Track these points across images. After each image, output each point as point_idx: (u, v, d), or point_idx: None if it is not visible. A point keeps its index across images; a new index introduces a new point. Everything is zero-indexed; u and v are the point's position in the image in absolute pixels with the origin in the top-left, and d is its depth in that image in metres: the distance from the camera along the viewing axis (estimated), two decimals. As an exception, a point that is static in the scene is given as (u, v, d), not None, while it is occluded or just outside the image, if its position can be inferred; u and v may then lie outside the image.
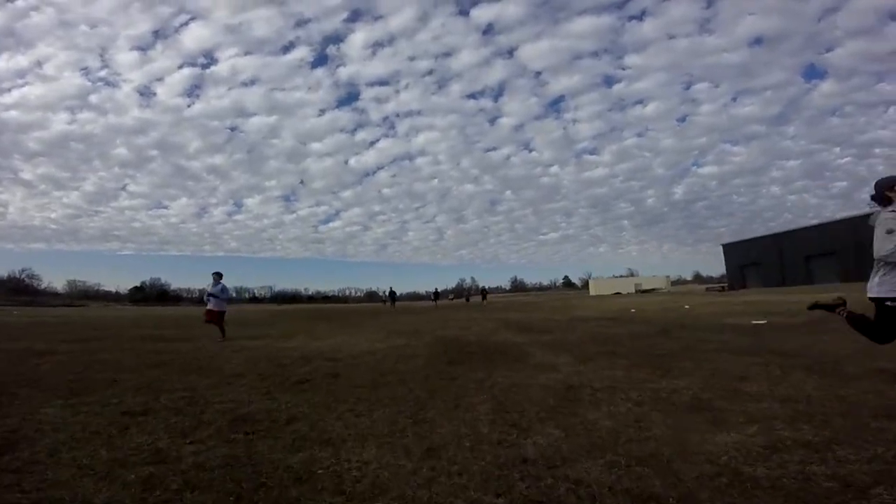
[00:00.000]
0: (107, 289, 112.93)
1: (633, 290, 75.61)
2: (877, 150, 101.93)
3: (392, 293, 36.78)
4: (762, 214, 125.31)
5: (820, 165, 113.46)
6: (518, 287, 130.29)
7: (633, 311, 19.07)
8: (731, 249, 50.60)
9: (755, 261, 45.71)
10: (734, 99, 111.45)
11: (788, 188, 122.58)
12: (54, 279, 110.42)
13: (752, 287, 44.09)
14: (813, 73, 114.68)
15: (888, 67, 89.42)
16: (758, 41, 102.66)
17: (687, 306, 19.88)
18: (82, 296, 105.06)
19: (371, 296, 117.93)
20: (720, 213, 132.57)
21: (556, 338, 9.63)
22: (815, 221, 43.20)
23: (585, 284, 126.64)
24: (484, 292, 40.66)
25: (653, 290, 72.70)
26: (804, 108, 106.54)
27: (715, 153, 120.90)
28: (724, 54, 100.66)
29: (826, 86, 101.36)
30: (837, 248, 37.46)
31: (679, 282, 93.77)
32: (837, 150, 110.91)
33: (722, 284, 52.53)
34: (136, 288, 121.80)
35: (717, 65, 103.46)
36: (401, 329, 13.19)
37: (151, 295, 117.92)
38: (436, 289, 36.81)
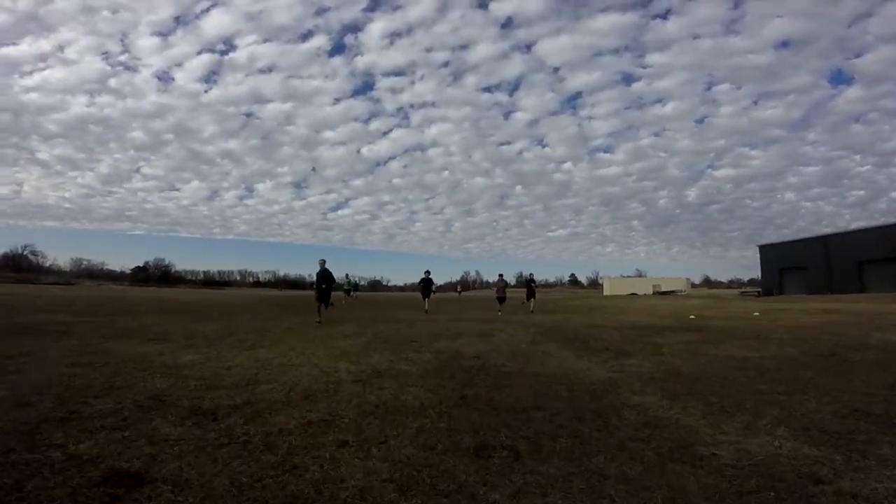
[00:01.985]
0: (111, 268, 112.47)
1: (651, 292, 71.34)
2: None
3: (352, 285, 27.60)
4: (775, 220, 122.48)
5: (839, 173, 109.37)
6: (508, 284, 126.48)
7: (692, 317, 15.22)
8: (769, 251, 46.16)
9: (798, 264, 41.31)
10: (755, 102, 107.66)
11: (804, 195, 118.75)
12: (62, 257, 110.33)
13: (791, 293, 39.83)
14: (839, 78, 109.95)
15: None
16: (784, 44, 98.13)
17: (757, 313, 15.99)
18: (85, 274, 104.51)
19: (374, 285, 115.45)
20: (733, 217, 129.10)
21: (654, 367, 5.84)
22: (866, 224, 38.73)
23: (593, 283, 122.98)
24: (531, 286, 19.63)
25: (672, 292, 68.38)
26: (827, 114, 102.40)
27: (732, 156, 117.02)
28: (748, 56, 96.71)
29: (852, 91, 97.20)
30: (899, 253, 33.14)
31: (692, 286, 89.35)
32: (858, 157, 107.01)
33: (757, 289, 48.19)
34: (138, 268, 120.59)
35: (741, 66, 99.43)
36: (388, 335, 9.47)
37: (154, 275, 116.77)
38: (425, 275, 16.73)
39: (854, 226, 41.62)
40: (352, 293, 27.87)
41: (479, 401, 4.03)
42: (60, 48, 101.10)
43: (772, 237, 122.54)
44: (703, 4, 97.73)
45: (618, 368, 5.65)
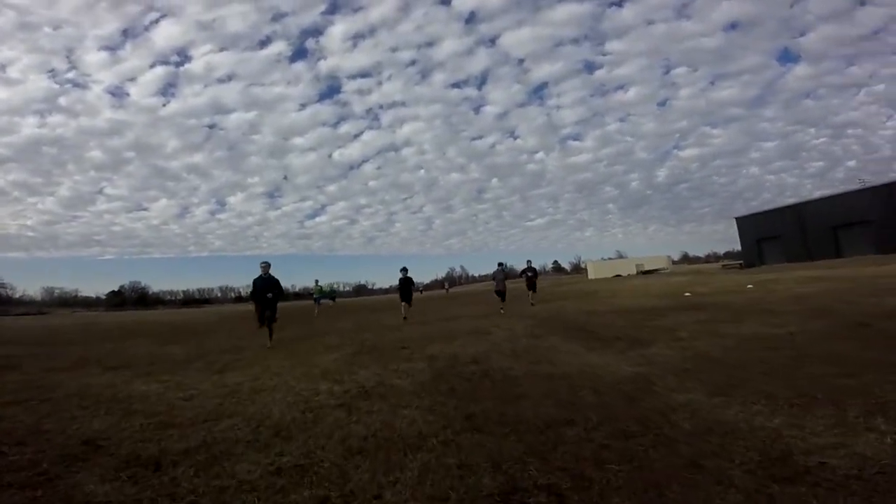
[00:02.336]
0: (86, 294, 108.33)
1: (635, 272, 71.96)
2: (850, 131, 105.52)
3: (329, 293, 25.25)
4: (743, 195, 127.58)
5: (796, 146, 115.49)
6: (509, 275, 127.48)
7: (687, 294, 14.82)
8: (746, 223, 46.67)
9: (774, 234, 41.85)
10: (712, 83, 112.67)
11: (767, 168, 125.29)
12: (32, 287, 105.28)
13: (772, 263, 40.37)
14: (787, 56, 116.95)
15: (858, 51, 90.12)
16: (733, 26, 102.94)
17: (750, 286, 15.70)
18: (58, 303, 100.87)
19: (359, 290, 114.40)
20: (702, 194, 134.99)
21: (679, 354, 5.18)
22: (840, 190, 39.45)
23: (576, 268, 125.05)
24: (529, 275, 16.00)
25: (656, 270, 69.05)
26: (780, 91, 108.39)
27: (695, 136, 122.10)
28: (701, 39, 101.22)
29: (800, 69, 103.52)
30: (873, 216, 33.69)
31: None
32: (813, 130, 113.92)
33: (738, 262, 48.76)
34: (113, 292, 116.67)
35: (695, 49, 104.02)
36: (375, 344, 8.68)
37: (131, 299, 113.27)
38: (402, 273, 13.09)
39: (817, 194, 42.57)
40: (320, 301, 23.72)
41: (490, 420, 3.29)
42: (2, 67, 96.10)
43: (741, 210, 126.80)
44: None
45: (640, 360, 4.99)
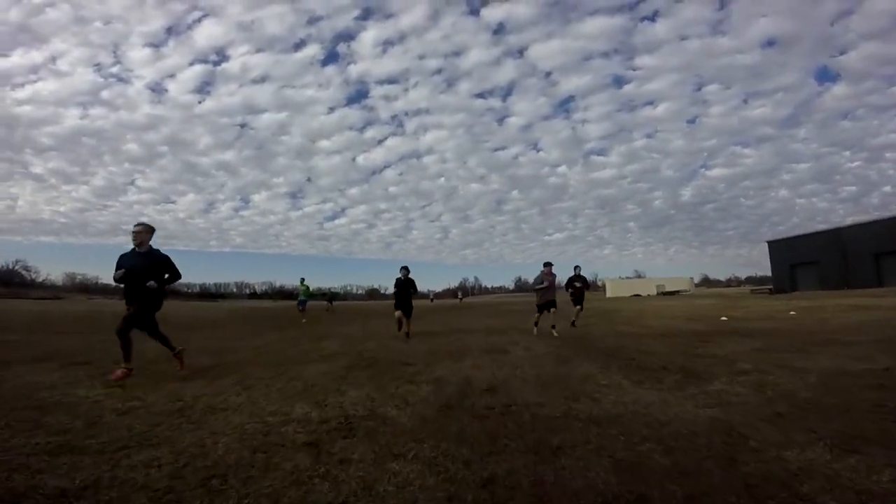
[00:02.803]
0: (107, 282, 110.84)
1: (655, 293, 69.72)
2: (888, 154, 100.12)
3: (324, 295, 23.30)
4: (770, 218, 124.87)
5: (830, 169, 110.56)
6: (522, 287, 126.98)
7: (724, 319, 13.42)
8: (778, 247, 44.42)
9: (810, 259, 39.63)
10: (745, 101, 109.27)
11: (797, 191, 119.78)
12: (57, 272, 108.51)
13: (805, 289, 38.13)
14: (825, 75, 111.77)
15: None
16: (770, 43, 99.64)
17: (793, 312, 14.20)
18: (80, 289, 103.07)
19: (372, 293, 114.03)
20: (728, 216, 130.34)
21: (758, 393, 3.97)
22: (884, 215, 37.12)
23: (592, 286, 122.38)
24: (578, 286, 12.10)
25: (677, 292, 66.79)
26: (816, 111, 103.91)
27: (725, 155, 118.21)
28: (736, 56, 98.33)
29: (838, 88, 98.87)
30: (920, 244, 31.52)
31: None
32: (848, 153, 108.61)
33: (768, 287, 46.46)
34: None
35: (729, 66, 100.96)
36: (376, 356, 7.64)
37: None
38: (402, 273, 9.87)
39: (849, 221, 40.21)
40: (305, 306, 19.29)
41: (519, 490, 2.18)
42: (52, 59, 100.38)
43: (767, 234, 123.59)
44: (689, 5, 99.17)
45: (708, 400, 3.80)
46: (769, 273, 44.51)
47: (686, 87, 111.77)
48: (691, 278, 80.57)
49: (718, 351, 6.68)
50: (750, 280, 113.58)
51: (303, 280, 20.53)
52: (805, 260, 40.23)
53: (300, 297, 19.60)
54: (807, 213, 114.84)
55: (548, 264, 10.19)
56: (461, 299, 40.19)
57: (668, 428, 3.13)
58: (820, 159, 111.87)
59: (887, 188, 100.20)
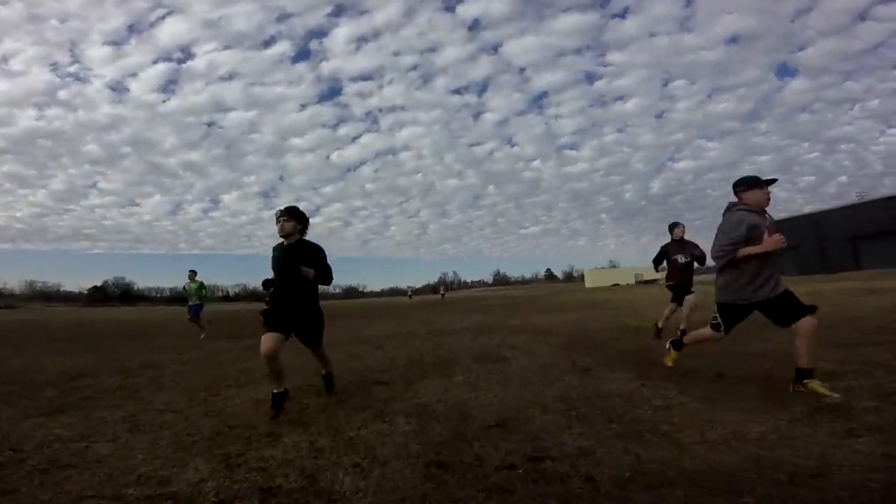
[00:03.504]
0: (70, 289, 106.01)
1: (633, 282, 69.88)
2: (842, 146, 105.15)
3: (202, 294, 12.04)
4: None
5: (789, 160, 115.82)
6: (501, 280, 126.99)
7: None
8: (756, 233, 44.62)
9: (788, 245, 39.61)
10: (709, 96, 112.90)
11: None
12: (15, 280, 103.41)
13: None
14: (785, 71, 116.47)
15: (856, 66, 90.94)
16: (734, 39, 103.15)
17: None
18: (40, 297, 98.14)
19: (349, 292, 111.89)
20: (695, 207, 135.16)
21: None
22: (858, 200, 37.43)
23: (568, 277, 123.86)
24: (687, 261, 6.55)
25: (655, 281, 66.99)
26: (776, 105, 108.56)
27: (691, 148, 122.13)
28: (701, 52, 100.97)
29: (797, 83, 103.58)
30: (897, 227, 31.64)
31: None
32: (806, 145, 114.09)
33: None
34: (95, 288, 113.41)
35: (695, 62, 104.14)
36: (338, 372, 6.09)
37: (114, 294, 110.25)
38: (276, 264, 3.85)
39: (808, 209, 40.74)
40: (199, 313, 11.71)
41: None
42: (4, 59, 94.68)
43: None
44: (658, 2, 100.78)
45: (840, 430, 2.42)
46: None
47: (654, 83, 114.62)
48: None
49: (769, 347, 5.38)
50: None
51: (193, 274, 12.02)
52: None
53: (191, 302, 11.69)
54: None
55: (677, 225, 6.75)
56: (443, 295, 38.31)
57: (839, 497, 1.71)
58: (780, 151, 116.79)
59: (843, 178, 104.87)
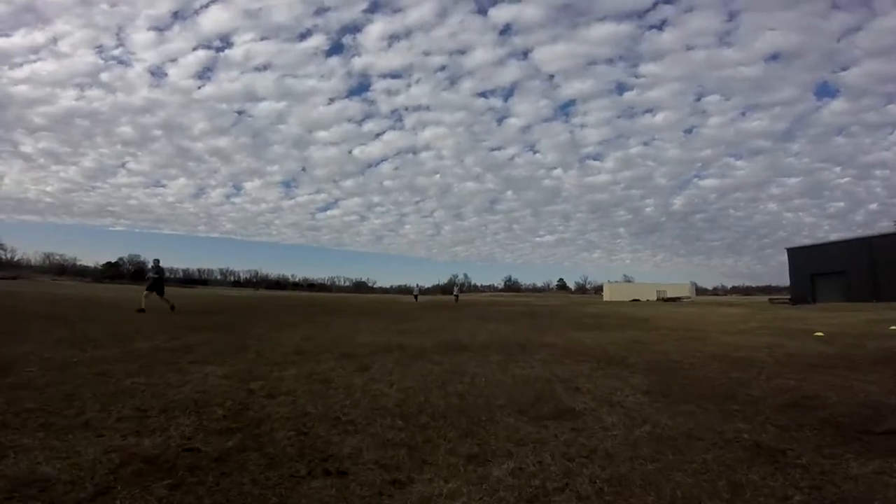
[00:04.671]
0: (86, 263, 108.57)
1: (655, 298, 66.60)
2: (877, 172, 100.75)
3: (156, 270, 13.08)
4: (756, 230, 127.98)
5: (819, 184, 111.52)
6: (512, 287, 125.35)
7: (819, 334, 9.70)
8: (799, 255, 41.14)
9: (835, 269, 36.40)
10: (743, 113, 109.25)
11: (786, 205, 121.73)
12: (37, 252, 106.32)
13: (827, 300, 34.86)
14: (825, 91, 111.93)
15: None
16: (774, 57, 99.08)
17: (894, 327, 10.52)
18: (56, 270, 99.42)
19: (359, 286, 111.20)
20: (716, 227, 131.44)
21: None
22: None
23: (581, 288, 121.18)
24: None
25: (678, 298, 63.77)
26: (811, 126, 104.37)
27: (718, 166, 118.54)
28: (739, 68, 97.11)
29: (836, 104, 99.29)
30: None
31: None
32: (838, 169, 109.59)
33: (787, 297, 43.27)
34: (109, 263, 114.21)
35: (732, 78, 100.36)
36: (299, 404, 3.57)
37: (128, 272, 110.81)
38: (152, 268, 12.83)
39: (834, 237, 37.40)
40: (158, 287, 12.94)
41: None
42: (54, 40, 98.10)
43: (752, 247, 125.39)
44: (698, 16, 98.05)
45: None
46: (756, 282, 41.31)
47: (687, 97, 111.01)
48: (692, 284, 77.50)
49: None
50: (735, 290, 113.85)
51: (156, 263, 13.47)
52: (828, 270, 36.99)
53: (150, 274, 13.30)
54: (794, 227, 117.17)
55: None
56: (457, 297, 34.31)
57: None
58: (811, 174, 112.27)
59: (873, 206, 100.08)
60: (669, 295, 67.78)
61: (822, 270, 37.79)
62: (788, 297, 41.40)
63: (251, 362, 5.23)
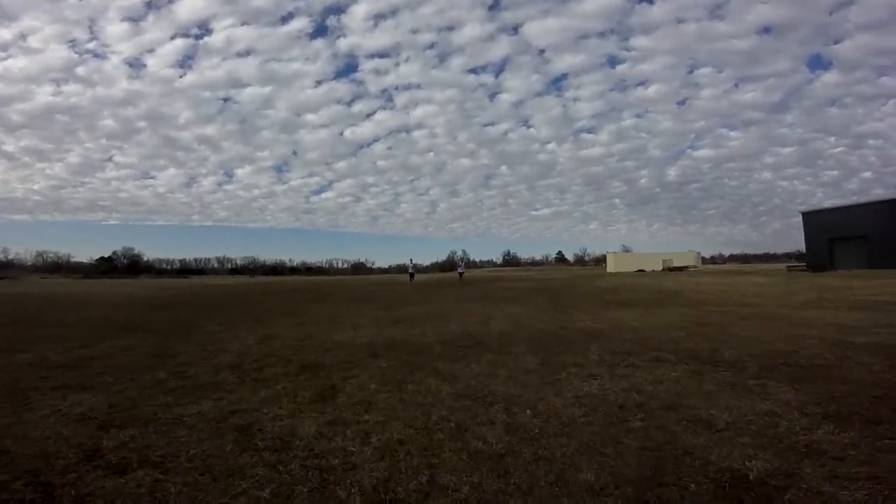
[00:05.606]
0: (79, 259, 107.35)
1: (661, 268, 65.03)
2: (870, 142, 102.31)
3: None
4: (751, 199, 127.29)
5: (813, 154, 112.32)
6: (511, 261, 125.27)
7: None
8: (815, 219, 39.03)
9: (855, 233, 34.46)
10: (736, 85, 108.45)
11: (780, 174, 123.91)
12: (29, 250, 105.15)
13: (847, 268, 33.09)
14: (818, 63, 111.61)
15: (893, 61, 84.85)
16: (766, 30, 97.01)
17: None
18: (51, 268, 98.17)
19: (357, 267, 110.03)
20: (711, 196, 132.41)
21: None
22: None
23: (580, 260, 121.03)
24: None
25: (684, 268, 62.23)
26: (805, 98, 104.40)
27: (712, 137, 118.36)
28: (731, 41, 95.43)
29: (829, 76, 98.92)
30: None
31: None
32: (832, 139, 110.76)
33: (802, 264, 41.50)
34: (102, 258, 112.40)
35: (724, 51, 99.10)
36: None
37: (122, 265, 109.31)
38: None
39: (827, 203, 35.47)
40: None
41: None
42: (23, 37, 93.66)
43: (748, 214, 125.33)
44: None
45: None
46: (753, 250, 39.50)
47: (679, 70, 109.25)
48: (698, 253, 75.88)
49: None
50: (734, 258, 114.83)
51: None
52: (848, 234, 35.04)
53: None
54: (788, 195, 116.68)
55: None
56: (461, 274, 29.92)
57: None
58: (804, 144, 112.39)
59: (867, 174, 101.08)
60: (676, 264, 66.21)
61: (840, 235, 35.84)
62: (804, 263, 39.64)
63: (151, 387, 3.34)
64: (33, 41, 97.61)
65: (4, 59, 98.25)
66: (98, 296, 15.38)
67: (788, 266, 44.72)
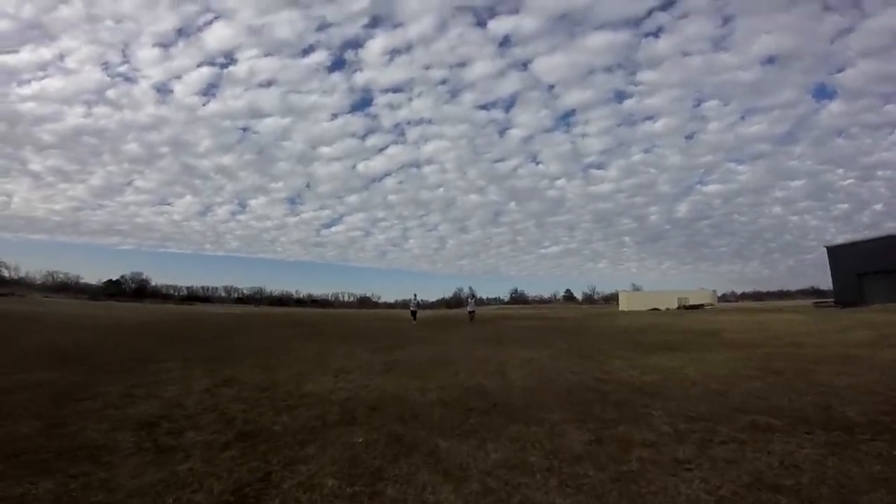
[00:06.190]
0: (89, 281, 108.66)
1: (676, 306, 62.76)
2: (879, 173, 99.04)
3: None
4: (762, 235, 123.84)
5: (823, 186, 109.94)
6: (519, 299, 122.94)
7: None
8: (842, 253, 37.30)
9: (885, 268, 32.67)
10: (742, 117, 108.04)
11: (791, 208, 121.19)
12: (41, 270, 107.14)
13: (878, 302, 31.14)
14: (822, 92, 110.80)
15: None
16: (771, 60, 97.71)
17: None
18: (59, 287, 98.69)
19: (363, 301, 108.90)
20: (721, 232, 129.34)
21: None
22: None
23: (588, 299, 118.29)
24: None
25: (700, 306, 59.95)
26: (812, 128, 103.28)
27: (720, 171, 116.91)
28: (736, 72, 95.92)
29: (834, 106, 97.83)
30: None
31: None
32: (841, 171, 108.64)
33: (827, 300, 39.48)
34: (110, 281, 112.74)
35: (729, 83, 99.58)
36: None
37: (130, 289, 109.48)
38: None
39: (840, 239, 33.89)
40: None
41: None
42: (61, 57, 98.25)
43: (759, 251, 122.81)
44: (693, 22, 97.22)
45: None
46: (765, 287, 37.62)
47: (686, 103, 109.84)
48: (714, 291, 73.54)
49: None
50: (745, 296, 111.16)
51: None
52: (879, 268, 33.24)
53: None
54: (799, 231, 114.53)
55: None
56: (472, 313, 26.41)
57: None
58: (814, 177, 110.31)
59: (878, 206, 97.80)
60: (692, 302, 63.93)
61: (871, 269, 34.03)
62: (832, 300, 37.60)
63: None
64: (70, 62, 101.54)
65: (42, 78, 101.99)
66: (75, 318, 14.24)
67: (815, 302, 42.54)
